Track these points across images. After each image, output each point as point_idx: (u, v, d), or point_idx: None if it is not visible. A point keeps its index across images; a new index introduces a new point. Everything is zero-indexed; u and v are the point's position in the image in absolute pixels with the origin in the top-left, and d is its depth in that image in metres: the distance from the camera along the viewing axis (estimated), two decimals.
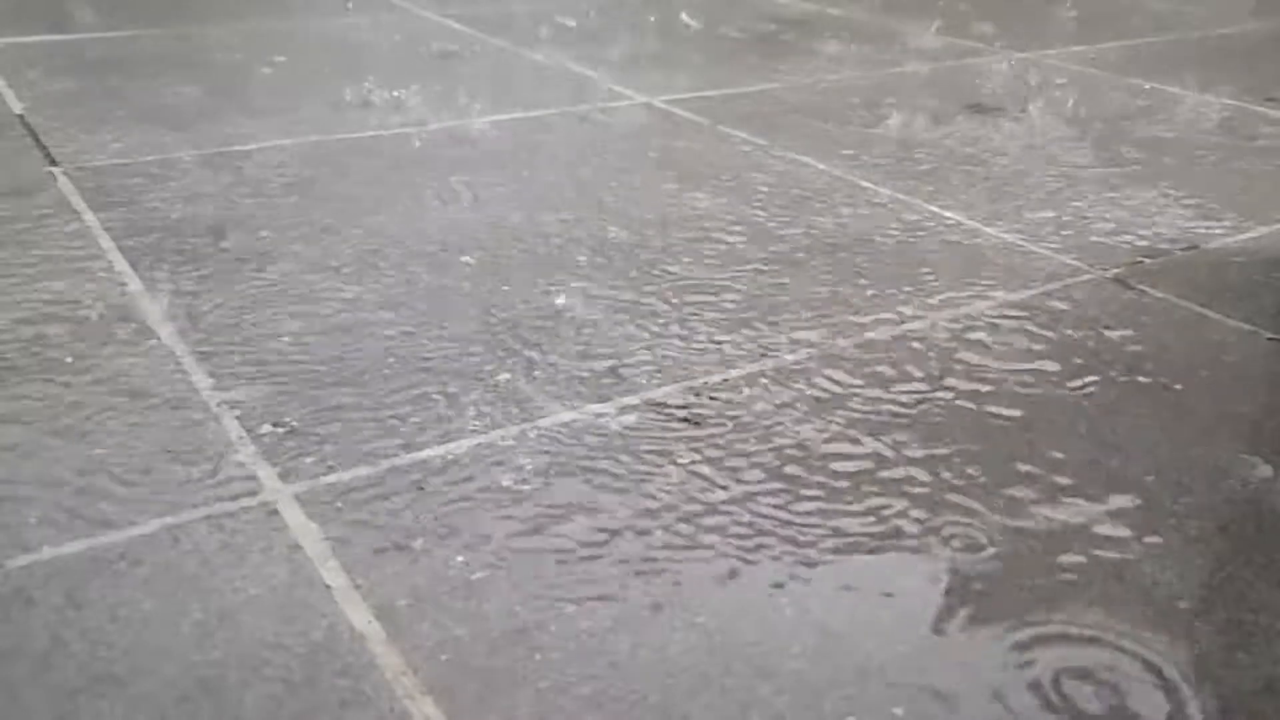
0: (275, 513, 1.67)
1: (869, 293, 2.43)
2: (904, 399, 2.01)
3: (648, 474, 1.78)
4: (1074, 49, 4.84)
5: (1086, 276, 2.55)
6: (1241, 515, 1.72)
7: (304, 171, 3.08)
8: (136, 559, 1.56)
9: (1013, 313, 2.36)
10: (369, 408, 1.95)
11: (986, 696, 1.37)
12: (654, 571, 1.57)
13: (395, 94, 3.84)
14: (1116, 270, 2.59)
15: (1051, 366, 2.14)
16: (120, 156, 3.14)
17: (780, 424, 1.92)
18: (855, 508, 1.71)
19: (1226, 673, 1.42)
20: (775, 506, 1.71)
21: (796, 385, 2.05)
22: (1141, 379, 2.11)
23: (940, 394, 2.04)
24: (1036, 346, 2.22)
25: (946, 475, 1.80)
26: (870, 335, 2.24)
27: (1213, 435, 1.93)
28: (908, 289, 2.45)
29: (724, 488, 1.75)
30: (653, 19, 5.20)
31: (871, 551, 1.62)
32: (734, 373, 2.08)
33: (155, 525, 1.63)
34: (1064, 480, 1.80)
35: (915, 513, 1.70)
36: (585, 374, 2.07)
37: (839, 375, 2.09)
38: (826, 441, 1.88)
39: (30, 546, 1.58)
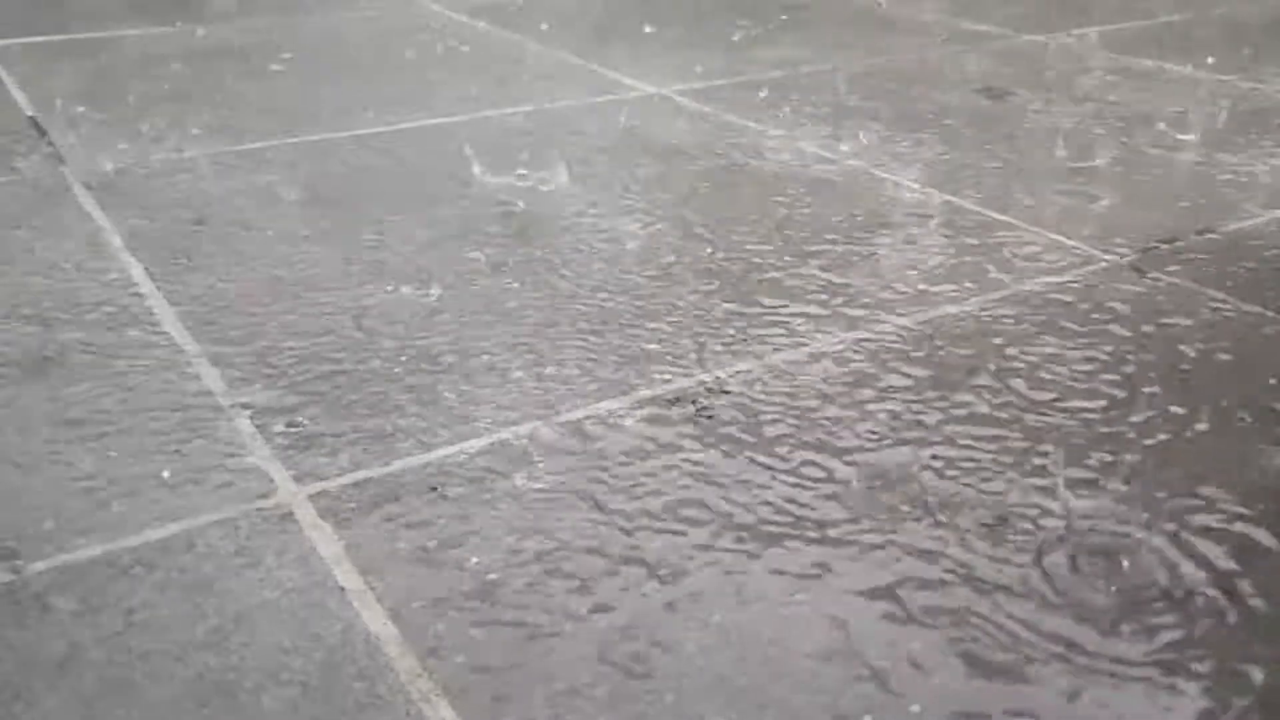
0: (289, 515, 1.67)
1: (890, 284, 2.42)
2: (917, 391, 2.00)
3: (661, 471, 1.78)
4: (1081, 30, 4.79)
5: (1101, 263, 2.53)
6: (1261, 506, 1.71)
7: (316, 171, 3.08)
8: (151, 563, 1.56)
9: (1027, 300, 2.34)
10: (382, 407, 1.95)
11: (1003, 692, 1.37)
12: (668, 570, 1.56)
13: (401, 92, 3.83)
14: (1131, 256, 2.57)
15: (1067, 355, 2.13)
16: (131, 158, 3.15)
17: (804, 412, 1.92)
18: (872, 502, 1.71)
19: (1241, 668, 1.41)
20: (792, 504, 1.71)
21: (803, 377, 2.04)
22: (1156, 366, 2.09)
23: (952, 381, 2.03)
24: (1050, 334, 2.20)
25: (955, 470, 1.79)
26: (892, 325, 2.23)
27: (1230, 424, 1.92)
28: (920, 278, 2.44)
29: (740, 484, 1.75)
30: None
31: (888, 545, 1.61)
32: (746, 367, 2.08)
33: (170, 529, 1.63)
34: (1078, 470, 1.78)
35: (928, 503, 1.70)
36: (601, 371, 2.07)
37: (858, 362, 2.08)
38: (845, 430, 1.87)
39: (45, 552, 1.58)
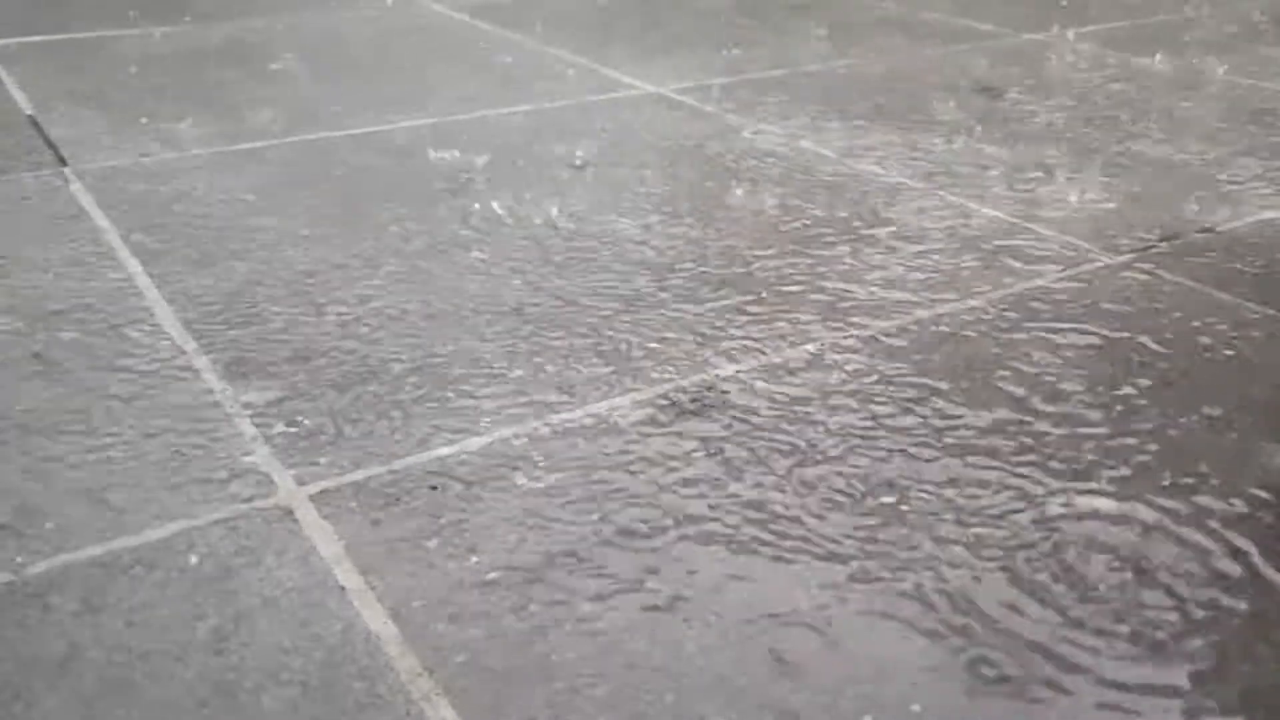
0: (290, 514, 1.67)
1: (890, 283, 2.42)
2: (914, 391, 2.00)
3: (660, 471, 1.78)
4: (1081, 29, 4.79)
5: (1099, 262, 2.53)
6: (1263, 505, 1.71)
7: (316, 171, 3.08)
8: (152, 563, 1.56)
9: (1028, 299, 2.34)
10: (382, 406, 1.95)
11: (1004, 693, 1.37)
12: (669, 569, 1.56)
13: (401, 92, 3.83)
14: (1130, 254, 2.57)
15: (1068, 353, 2.12)
16: (130, 156, 3.15)
17: (803, 413, 1.92)
18: (872, 503, 1.71)
19: (1247, 668, 1.41)
20: (790, 504, 1.71)
21: (803, 377, 2.04)
22: (1156, 365, 2.09)
23: (952, 381, 2.03)
24: (1051, 333, 2.20)
25: (954, 470, 1.79)
26: (892, 324, 2.23)
27: (1231, 422, 1.92)
28: (920, 278, 2.44)
29: (739, 484, 1.75)
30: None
31: (888, 548, 1.61)
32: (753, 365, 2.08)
33: (170, 529, 1.63)
34: (1080, 469, 1.78)
35: (928, 505, 1.70)
36: (600, 371, 2.07)
37: (858, 362, 2.08)
38: (843, 430, 1.87)
39: (46, 552, 1.58)
